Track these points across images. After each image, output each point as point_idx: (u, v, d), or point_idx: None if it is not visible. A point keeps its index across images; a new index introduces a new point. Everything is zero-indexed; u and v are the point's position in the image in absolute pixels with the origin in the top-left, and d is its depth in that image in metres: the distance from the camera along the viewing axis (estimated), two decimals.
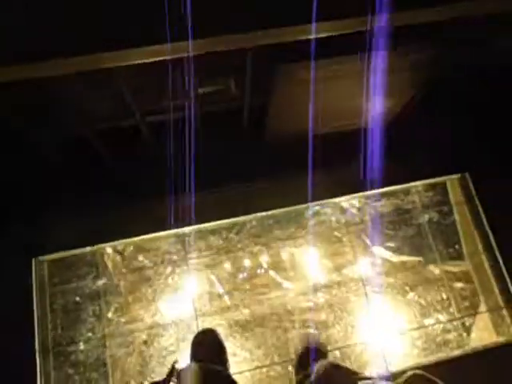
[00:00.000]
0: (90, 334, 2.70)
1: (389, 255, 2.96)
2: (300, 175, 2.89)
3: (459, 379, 2.63)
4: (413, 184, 3.13)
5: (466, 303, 2.92)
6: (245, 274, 2.92)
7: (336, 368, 1.41)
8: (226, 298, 2.85)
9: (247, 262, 2.96)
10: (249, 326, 2.76)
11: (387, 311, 2.86)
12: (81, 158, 2.81)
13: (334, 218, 3.04)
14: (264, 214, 2.99)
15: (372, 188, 2.96)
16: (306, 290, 2.86)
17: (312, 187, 2.93)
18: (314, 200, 2.96)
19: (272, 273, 2.92)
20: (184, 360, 2.66)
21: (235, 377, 1.81)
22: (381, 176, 2.97)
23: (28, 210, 2.83)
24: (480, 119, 3.08)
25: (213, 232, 2.96)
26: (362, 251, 2.99)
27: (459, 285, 2.97)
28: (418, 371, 1.42)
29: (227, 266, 2.98)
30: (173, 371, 1.17)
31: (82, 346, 2.67)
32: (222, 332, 2.62)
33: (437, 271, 2.98)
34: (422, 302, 2.90)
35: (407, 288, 2.96)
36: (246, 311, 2.79)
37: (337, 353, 2.73)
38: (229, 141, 2.90)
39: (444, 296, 2.93)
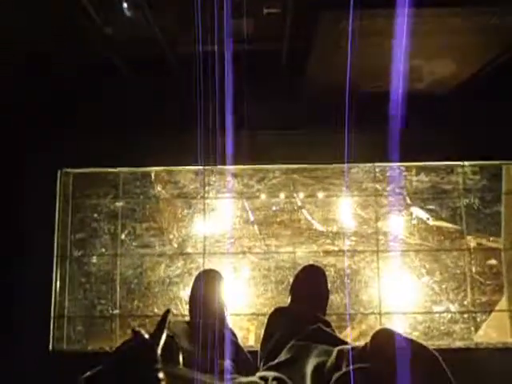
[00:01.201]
0: (103, 250, 2.84)
1: (426, 217, 2.83)
2: (336, 132, 2.68)
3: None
4: (459, 163, 2.83)
5: (484, 298, 2.75)
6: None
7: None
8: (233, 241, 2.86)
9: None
10: None
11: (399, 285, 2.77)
12: (109, 83, 2.74)
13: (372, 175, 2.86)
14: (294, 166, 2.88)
15: (408, 160, 2.71)
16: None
17: (348, 148, 2.73)
18: (348, 162, 2.78)
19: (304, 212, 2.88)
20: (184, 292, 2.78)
21: None
22: (422, 148, 2.70)
23: (55, 130, 2.86)
24: None
25: (235, 175, 2.89)
26: (400, 208, 2.85)
27: (484, 277, 2.77)
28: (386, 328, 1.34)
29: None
30: (164, 321, 1.15)
31: (94, 260, 2.83)
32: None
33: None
34: (436, 287, 2.76)
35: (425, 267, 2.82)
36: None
37: (333, 317, 2.72)
38: (265, 84, 2.69)
39: (462, 286, 2.76)
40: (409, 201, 2.87)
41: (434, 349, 1.25)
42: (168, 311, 1.19)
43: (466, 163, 2.84)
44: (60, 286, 2.77)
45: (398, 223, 2.88)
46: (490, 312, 2.74)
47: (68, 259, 2.83)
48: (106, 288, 2.81)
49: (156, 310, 2.79)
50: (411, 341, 1.25)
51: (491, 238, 2.83)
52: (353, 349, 1.31)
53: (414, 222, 2.88)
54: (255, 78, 2.69)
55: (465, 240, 2.80)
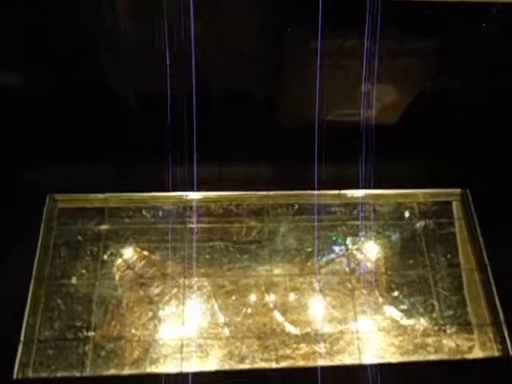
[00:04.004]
0: (83, 271, 2.87)
1: (399, 316, 2.88)
2: (304, 162, 3.08)
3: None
4: (412, 191, 3.23)
5: (451, 311, 2.91)
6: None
7: None
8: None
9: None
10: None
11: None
12: (107, 108, 3.09)
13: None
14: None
15: (368, 187, 3.08)
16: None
17: (316, 177, 3.10)
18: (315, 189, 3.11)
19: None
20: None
21: None
22: (379, 176, 3.08)
23: (48, 152, 3.11)
24: (491, 132, 3.15)
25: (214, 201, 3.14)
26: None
27: (447, 293, 2.97)
28: None
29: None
30: None
31: (73, 281, 2.83)
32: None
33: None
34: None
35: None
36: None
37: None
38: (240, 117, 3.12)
39: (429, 301, 2.93)
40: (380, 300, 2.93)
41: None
42: None
43: (419, 191, 3.25)
44: (33, 308, 2.71)
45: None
46: (459, 325, 2.88)
47: (46, 280, 2.82)
48: (81, 308, 2.77)
49: (133, 331, 2.73)
50: None
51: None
52: None
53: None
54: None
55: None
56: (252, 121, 3.09)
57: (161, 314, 2.79)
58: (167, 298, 2.84)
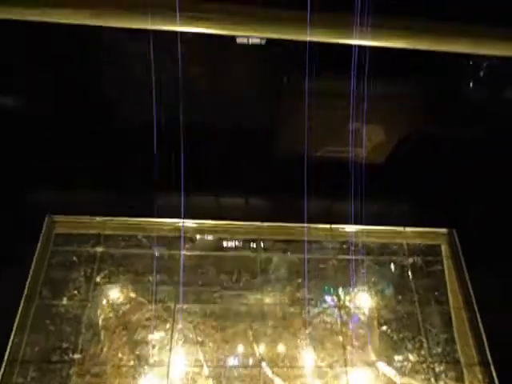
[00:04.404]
0: (75, 292, 2.88)
1: (393, 374, 2.81)
2: (295, 196, 3.22)
3: None
4: (401, 228, 3.34)
5: (439, 349, 2.91)
6: None
7: None
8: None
9: None
10: None
11: None
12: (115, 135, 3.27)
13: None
14: None
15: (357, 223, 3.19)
16: None
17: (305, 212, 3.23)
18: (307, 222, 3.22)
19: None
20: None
21: None
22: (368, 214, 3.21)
23: (53, 173, 3.23)
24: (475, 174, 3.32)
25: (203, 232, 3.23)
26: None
27: (436, 329, 2.99)
28: None
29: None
30: None
31: (64, 301, 2.84)
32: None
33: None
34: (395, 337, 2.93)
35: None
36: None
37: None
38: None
39: (418, 337, 2.94)
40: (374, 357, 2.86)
41: None
42: None
43: (408, 229, 3.36)
44: (20, 328, 2.69)
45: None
46: (447, 363, 2.87)
47: (36, 300, 2.83)
48: (70, 330, 2.75)
49: (120, 355, 2.70)
50: None
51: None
52: None
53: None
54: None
55: None
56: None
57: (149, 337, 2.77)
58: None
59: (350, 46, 2.12)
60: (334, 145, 2.94)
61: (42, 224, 3.07)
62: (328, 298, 3.09)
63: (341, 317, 2.95)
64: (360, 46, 2.13)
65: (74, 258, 3.01)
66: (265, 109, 3.14)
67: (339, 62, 2.30)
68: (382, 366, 2.81)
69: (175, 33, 2.32)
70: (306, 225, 3.23)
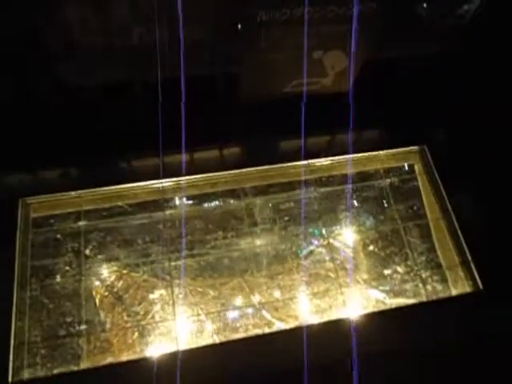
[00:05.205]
0: (67, 268, 2.86)
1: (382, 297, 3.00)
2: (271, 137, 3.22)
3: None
4: (375, 153, 3.43)
5: (423, 257, 3.12)
6: None
7: None
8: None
9: None
10: None
11: None
12: (74, 106, 3.10)
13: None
14: None
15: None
16: None
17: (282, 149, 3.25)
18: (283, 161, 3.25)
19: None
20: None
21: None
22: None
23: (18, 156, 3.08)
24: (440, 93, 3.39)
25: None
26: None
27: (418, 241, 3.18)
28: None
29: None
30: None
31: (58, 279, 2.83)
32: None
33: None
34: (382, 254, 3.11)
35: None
36: None
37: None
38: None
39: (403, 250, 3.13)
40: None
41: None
42: None
43: (381, 153, 3.45)
44: (20, 311, 2.68)
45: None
46: (431, 269, 3.10)
47: (29, 284, 2.80)
48: (71, 305, 2.77)
49: (125, 318, 2.77)
50: None
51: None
52: None
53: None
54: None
55: None
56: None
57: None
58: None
59: None
60: (299, 78, 2.89)
61: (15, 208, 2.96)
62: (316, 231, 3.21)
63: (329, 244, 3.09)
64: None
65: (58, 236, 2.96)
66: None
67: None
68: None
69: None
70: (284, 164, 3.27)
